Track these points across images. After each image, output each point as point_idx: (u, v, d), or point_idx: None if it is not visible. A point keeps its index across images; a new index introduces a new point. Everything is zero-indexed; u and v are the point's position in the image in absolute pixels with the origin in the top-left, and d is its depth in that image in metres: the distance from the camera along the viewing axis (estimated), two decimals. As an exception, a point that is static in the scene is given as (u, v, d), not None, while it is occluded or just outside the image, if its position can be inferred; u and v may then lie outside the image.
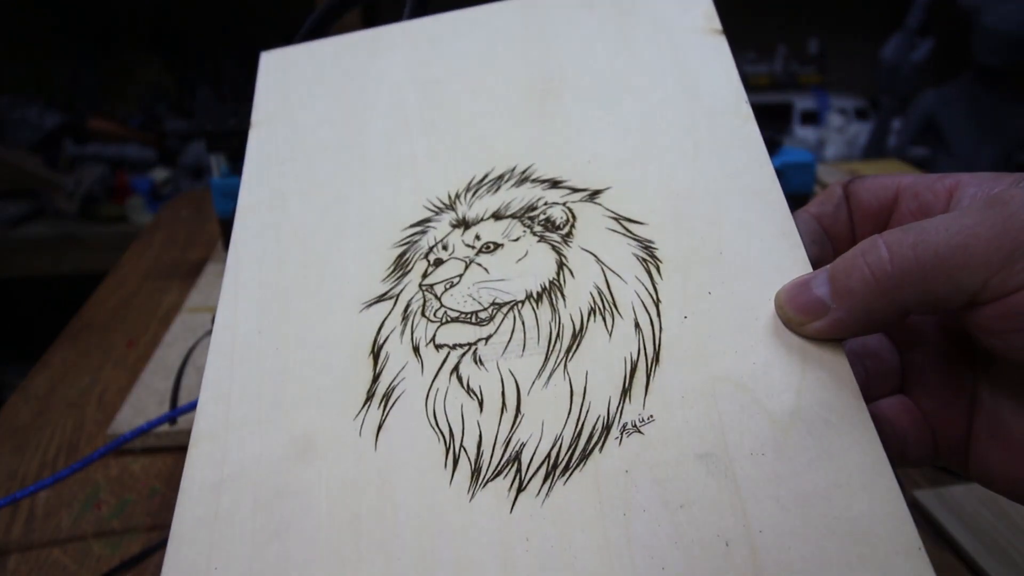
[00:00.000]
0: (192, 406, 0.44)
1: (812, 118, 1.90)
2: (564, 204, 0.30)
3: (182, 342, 0.60)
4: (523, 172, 0.31)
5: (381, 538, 0.23)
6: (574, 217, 0.29)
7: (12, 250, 1.56)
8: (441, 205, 0.31)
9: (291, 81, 0.37)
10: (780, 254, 0.27)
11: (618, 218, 0.29)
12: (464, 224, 0.30)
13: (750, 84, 1.91)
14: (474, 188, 0.31)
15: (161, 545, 0.42)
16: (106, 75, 1.83)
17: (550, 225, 0.29)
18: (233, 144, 0.72)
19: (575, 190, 0.30)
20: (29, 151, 1.62)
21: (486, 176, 0.31)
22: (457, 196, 0.31)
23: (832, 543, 0.22)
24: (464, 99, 0.34)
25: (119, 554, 0.42)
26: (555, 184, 0.31)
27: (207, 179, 1.68)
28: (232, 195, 0.71)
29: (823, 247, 0.29)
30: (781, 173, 0.75)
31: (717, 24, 0.33)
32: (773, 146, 0.78)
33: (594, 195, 0.30)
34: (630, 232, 0.29)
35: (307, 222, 0.31)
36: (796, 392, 0.24)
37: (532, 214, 0.30)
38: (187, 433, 0.49)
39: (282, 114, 0.35)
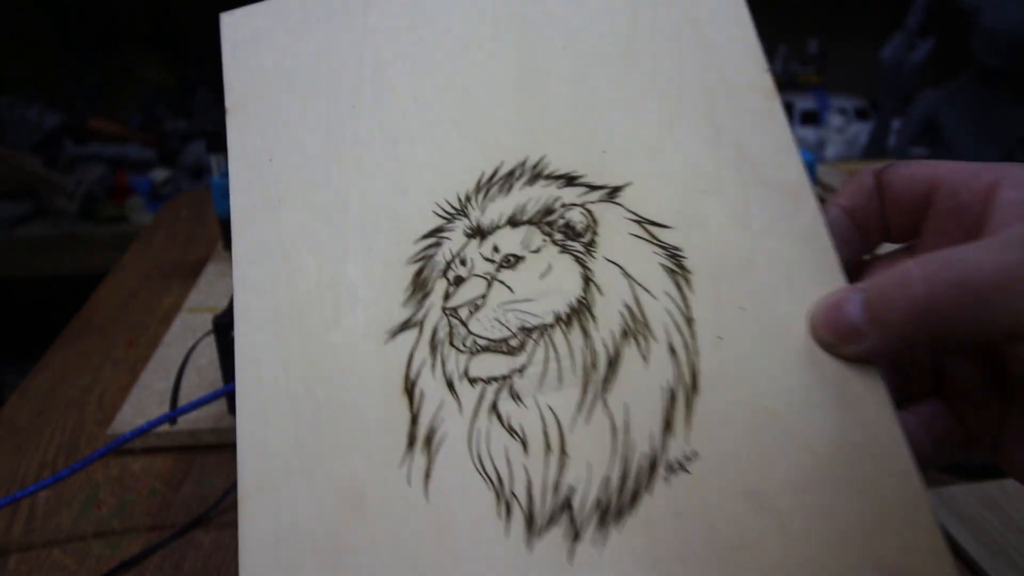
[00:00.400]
0: (192, 406, 0.44)
1: (812, 118, 1.90)
2: (583, 206, 0.28)
3: (182, 342, 0.60)
4: (535, 167, 0.29)
5: None
6: (595, 221, 0.28)
7: (12, 250, 1.56)
8: (452, 210, 0.29)
9: (262, 53, 0.32)
10: (811, 261, 0.26)
11: (641, 221, 0.27)
12: (480, 233, 0.28)
13: (750, 84, 1.90)
14: (484, 188, 0.29)
15: (161, 545, 0.42)
16: (106, 75, 1.83)
17: (571, 232, 0.28)
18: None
19: (592, 187, 0.28)
20: (29, 151, 1.62)
21: (496, 172, 0.29)
22: (468, 198, 0.29)
23: None
24: (460, 76, 0.31)
25: (119, 554, 0.42)
26: (570, 181, 0.28)
27: (207, 179, 1.68)
28: (232, 195, 0.71)
29: (853, 246, 0.28)
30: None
31: None
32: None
33: (613, 193, 0.28)
34: (655, 238, 0.27)
35: (311, 234, 0.29)
36: (835, 419, 0.24)
37: (550, 219, 0.28)
38: (187, 433, 0.50)
39: (259, 96, 0.32)
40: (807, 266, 0.26)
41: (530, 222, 0.28)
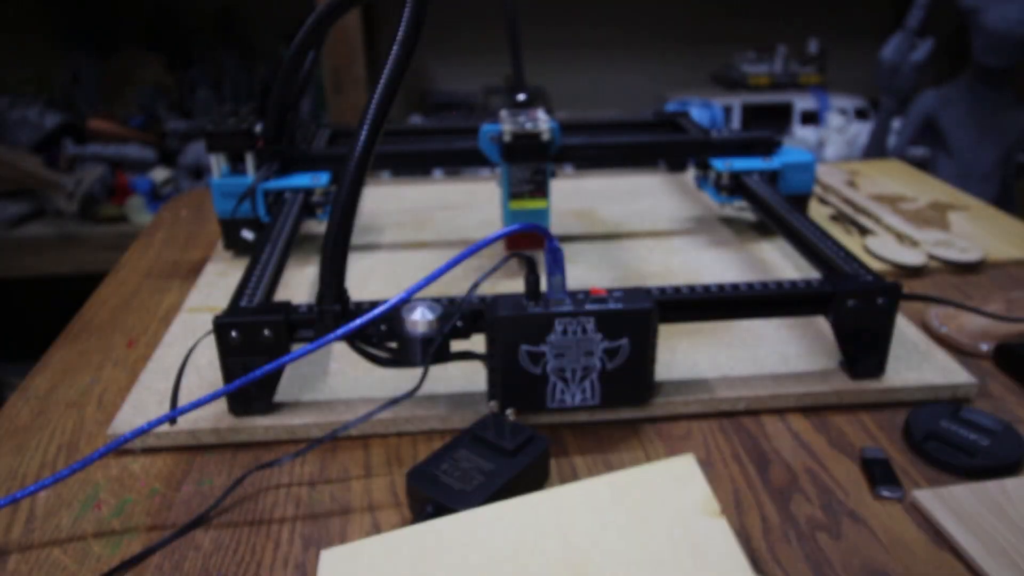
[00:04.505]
0: (192, 406, 0.44)
1: (812, 118, 1.90)
2: None
3: (182, 342, 0.60)
4: None
5: None
6: None
7: (12, 250, 1.56)
8: None
9: None
10: None
11: None
12: None
13: (750, 84, 1.91)
14: None
15: (161, 545, 0.42)
16: (106, 75, 1.83)
17: None
18: (233, 144, 0.72)
19: None
20: (29, 151, 1.62)
21: None
22: None
23: None
24: None
25: (119, 554, 0.42)
26: None
27: (207, 179, 1.68)
28: (232, 195, 0.71)
29: None
30: (781, 173, 0.75)
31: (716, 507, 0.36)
32: (773, 146, 0.78)
33: None
34: None
35: None
36: None
37: None
38: (187, 433, 0.50)
39: None
40: None
41: None
